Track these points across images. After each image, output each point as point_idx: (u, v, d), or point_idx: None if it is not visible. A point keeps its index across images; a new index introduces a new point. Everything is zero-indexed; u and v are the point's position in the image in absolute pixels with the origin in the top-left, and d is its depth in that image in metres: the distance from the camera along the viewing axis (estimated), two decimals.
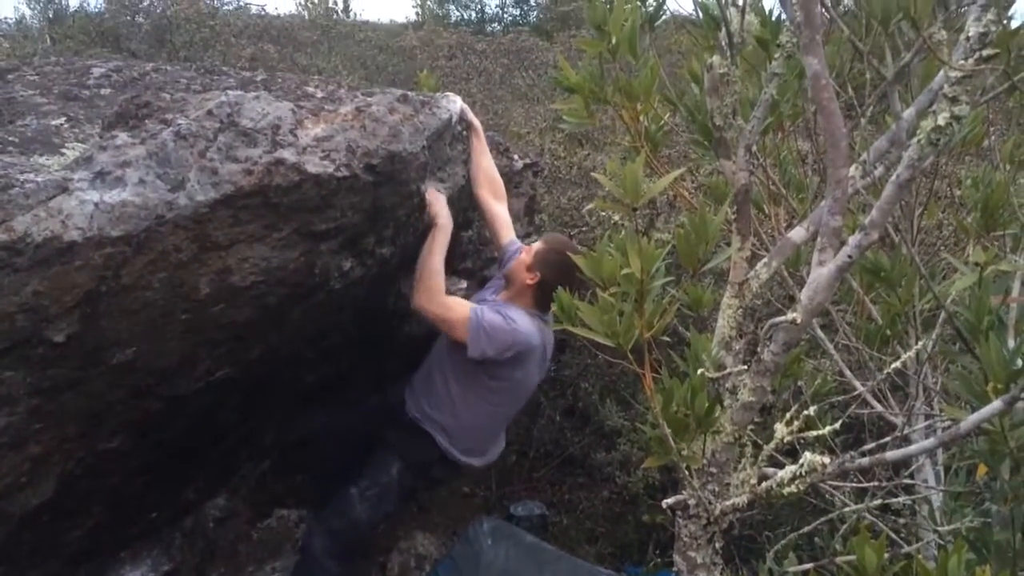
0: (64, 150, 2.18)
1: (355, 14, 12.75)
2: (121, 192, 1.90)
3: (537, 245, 2.95)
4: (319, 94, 2.69)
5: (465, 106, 3.02)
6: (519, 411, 3.22)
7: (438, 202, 2.83)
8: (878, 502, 2.16)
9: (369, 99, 2.52)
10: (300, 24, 10.27)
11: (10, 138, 2.21)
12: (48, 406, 2.04)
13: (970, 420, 1.51)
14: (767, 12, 2.01)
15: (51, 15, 8.64)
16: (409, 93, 2.71)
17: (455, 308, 2.78)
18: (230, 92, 2.22)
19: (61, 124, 2.41)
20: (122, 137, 2.03)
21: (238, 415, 2.85)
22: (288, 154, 2.15)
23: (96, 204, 1.86)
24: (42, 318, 1.84)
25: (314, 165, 2.19)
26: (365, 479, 2.97)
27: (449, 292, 2.90)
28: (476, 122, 3.10)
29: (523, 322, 2.81)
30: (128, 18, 7.93)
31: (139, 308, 2.03)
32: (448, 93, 3.03)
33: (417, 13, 14.84)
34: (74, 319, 1.90)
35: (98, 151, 1.98)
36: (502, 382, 2.91)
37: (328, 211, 2.28)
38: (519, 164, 3.79)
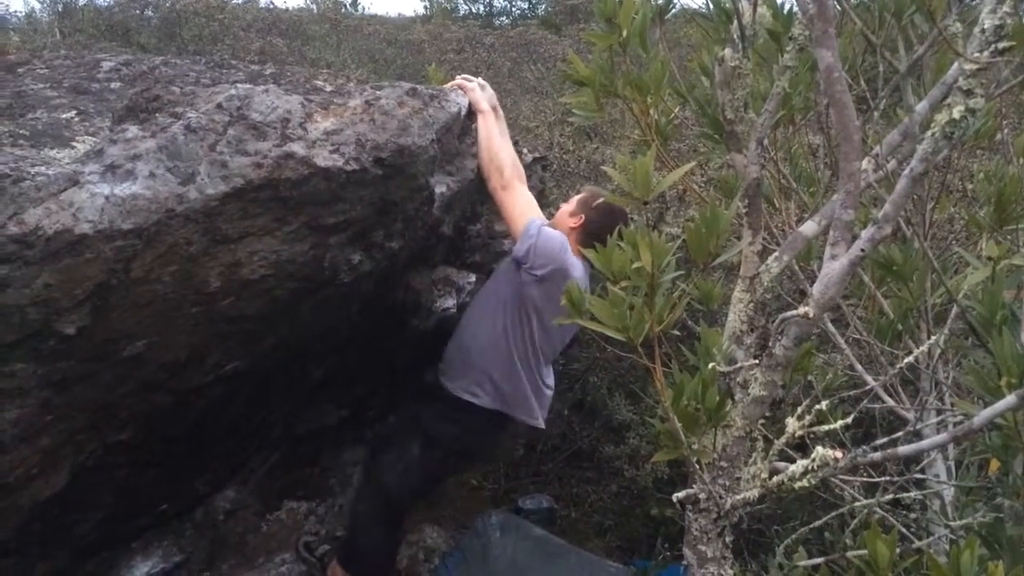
0: (74, 143, 2.19)
1: (363, 8, 12.76)
2: (131, 185, 1.91)
3: (579, 196, 3.00)
4: (328, 88, 2.69)
5: (480, 96, 2.98)
6: (556, 352, 3.15)
7: (475, 89, 2.89)
8: (889, 497, 2.15)
9: (378, 93, 2.51)
10: (309, 18, 10.28)
11: (21, 131, 2.22)
12: (59, 399, 2.04)
13: (983, 415, 1.50)
14: (779, 4, 1.99)
15: (60, 9, 8.64)
16: (418, 87, 2.70)
17: (522, 207, 2.79)
18: (240, 85, 2.22)
19: (71, 117, 2.42)
20: (132, 130, 2.04)
21: (248, 408, 2.85)
22: (298, 147, 2.15)
23: (107, 197, 1.86)
24: (53, 311, 1.85)
25: (323, 159, 2.19)
26: (393, 451, 3.10)
27: (465, 264, 2.89)
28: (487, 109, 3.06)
29: (571, 255, 2.79)
30: (137, 12, 7.95)
31: (149, 301, 2.03)
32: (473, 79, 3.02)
33: (425, 7, 14.85)
34: (85, 312, 1.91)
35: (108, 144, 1.99)
36: (546, 304, 2.85)
37: (337, 204, 2.28)
38: (528, 158, 3.77)
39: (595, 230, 2.77)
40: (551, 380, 3.20)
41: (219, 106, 2.12)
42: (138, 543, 2.95)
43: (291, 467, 3.58)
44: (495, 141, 2.84)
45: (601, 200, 2.84)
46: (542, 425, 3.14)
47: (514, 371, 2.95)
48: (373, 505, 3.15)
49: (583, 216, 2.88)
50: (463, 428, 3.02)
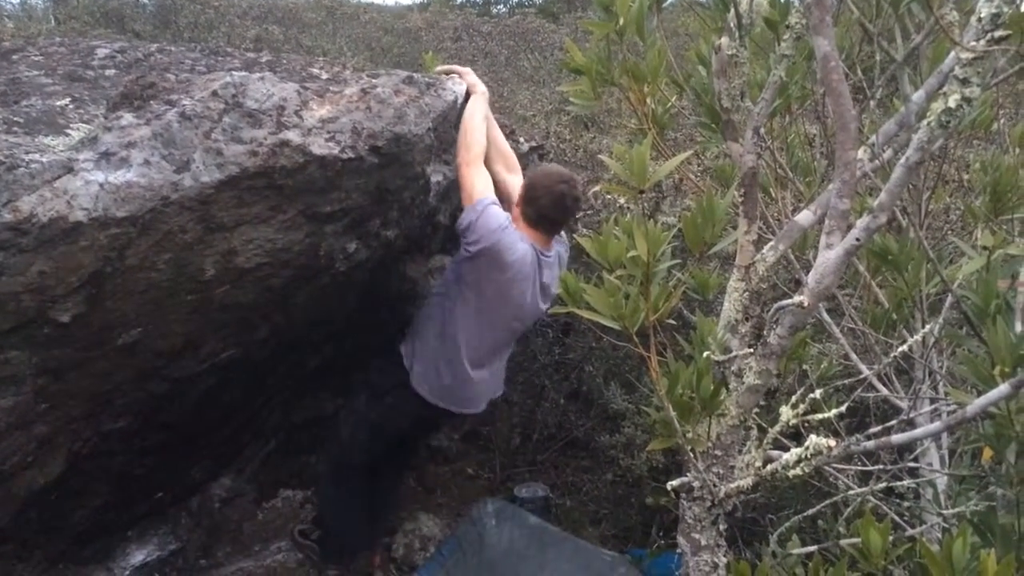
0: (69, 131, 2.18)
1: None
2: (126, 173, 1.90)
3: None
4: (324, 75, 2.68)
5: (476, 79, 3.00)
6: (506, 340, 3.09)
7: (471, 74, 2.99)
8: (882, 485, 2.16)
9: (374, 81, 2.50)
10: (305, 5, 10.22)
11: (15, 118, 2.21)
12: (54, 386, 2.04)
13: (976, 404, 1.50)
14: None
15: None
16: (414, 75, 2.69)
17: (478, 185, 2.78)
18: (235, 73, 2.21)
19: (66, 105, 2.40)
20: (127, 118, 2.03)
21: (243, 396, 2.86)
22: (293, 135, 2.15)
23: (101, 185, 1.86)
24: (48, 298, 1.85)
25: (319, 147, 2.18)
26: (345, 407, 3.24)
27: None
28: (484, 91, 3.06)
29: (513, 237, 2.76)
30: None
31: (144, 289, 2.03)
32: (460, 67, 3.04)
33: None
34: (80, 300, 1.91)
35: (103, 132, 1.98)
36: (478, 284, 2.84)
37: (333, 193, 2.28)
38: (525, 147, 3.77)
39: (533, 196, 2.79)
40: (500, 364, 3.16)
41: (214, 94, 2.11)
42: (134, 531, 2.95)
43: (287, 455, 3.58)
44: (476, 120, 2.86)
45: (532, 179, 2.86)
46: (479, 410, 3.16)
47: (456, 359, 2.95)
48: (328, 463, 3.29)
49: (521, 190, 2.88)
50: (400, 391, 3.03)
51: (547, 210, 2.79)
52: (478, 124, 2.85)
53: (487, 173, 2.85)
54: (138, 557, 2.95)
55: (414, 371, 2.94)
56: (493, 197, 2.79)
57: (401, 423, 3.16)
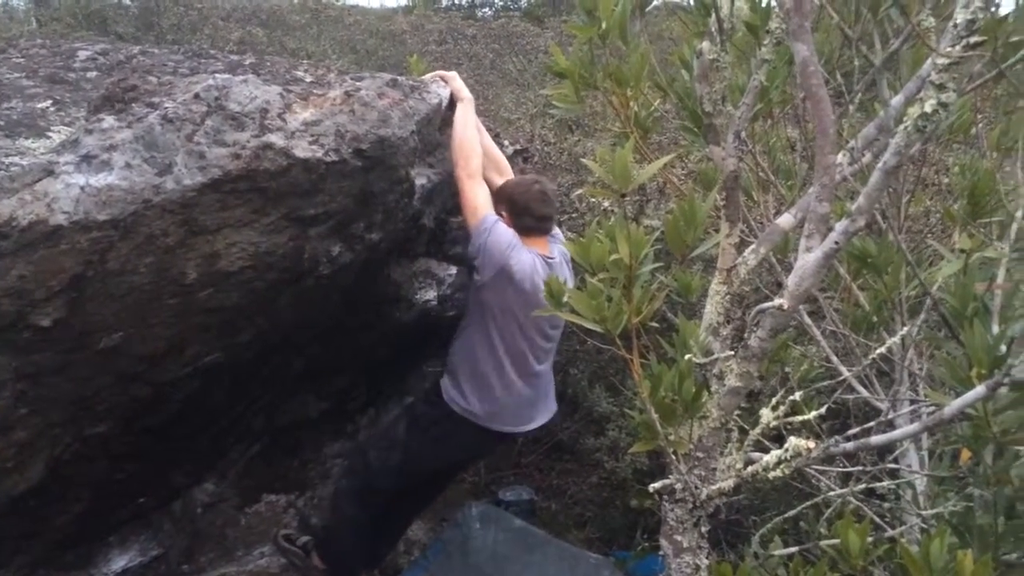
0: (50, 133, 2.16)
1: None
2: (107, 176, 1.89)
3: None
4: (308, 78, 2.67)
5: (461, 84, 3.01)
6: (545, 348, 3.06)
7: (456, 79, 3.00)
8: (863, 486, 2.18)
9: (358, 84, 2.50)
10: (289, 7, 10.19)
11: None
12: (34, 391, 2.03)
13: (954, 405, 1.52)
14: None
15: None
16: (399, 78, 2.70)
17: (480, 199, 2.83)
18: (218, 76, 2.20)
19: (47, 107, 2.39)
20: (109, 120, 2.02)
21: (226, 400, 2.84)
22: (276, 138, 2.14)
23: (82, 188, 1.85)
24: (27, 302, 1.83)
25: (303, 150, 2.18)
26: (381, 430, 3.24)
27: (446, 256, 2.96)
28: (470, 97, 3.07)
29: (520, 252, 2.80)
30: (115, 1, 7.85)
31: (126, 293, 2.02)
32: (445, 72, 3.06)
33: None
34: (60, 303, 1.90)
35: (84, 134, 1.97)
36: (502, 303, 2.86)
37: (317, 196, 2.28)
38: (509, 150, 3.78)
39: (519, 213, 2.86)
40: (544, 371, 3.14)
41: (197, 96, 2.11)
42: (115, 536, 2.93)
43: (271, 460, 3.57)
44: (469, 130, 2.88)
45: (506, 186, 2.93)
46: (533, 426, 3.14)
47: (504, 374, 2.95)
48: (353, 483, 3.16)
49: (502, 205, 2.91)
50: (444, 421, 3.01)
51: (537, 210, 2.86)
52: (472, 135, 2.88)
53: (485, 185, 2.89)
54: (120, 563, 2.93)
55: (463, 398, 2.95)
56: (493, 211, 2.85)
57: (451, 454, 3.16)
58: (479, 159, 2.87)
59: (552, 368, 3.21)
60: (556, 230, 3.05)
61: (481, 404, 2.94)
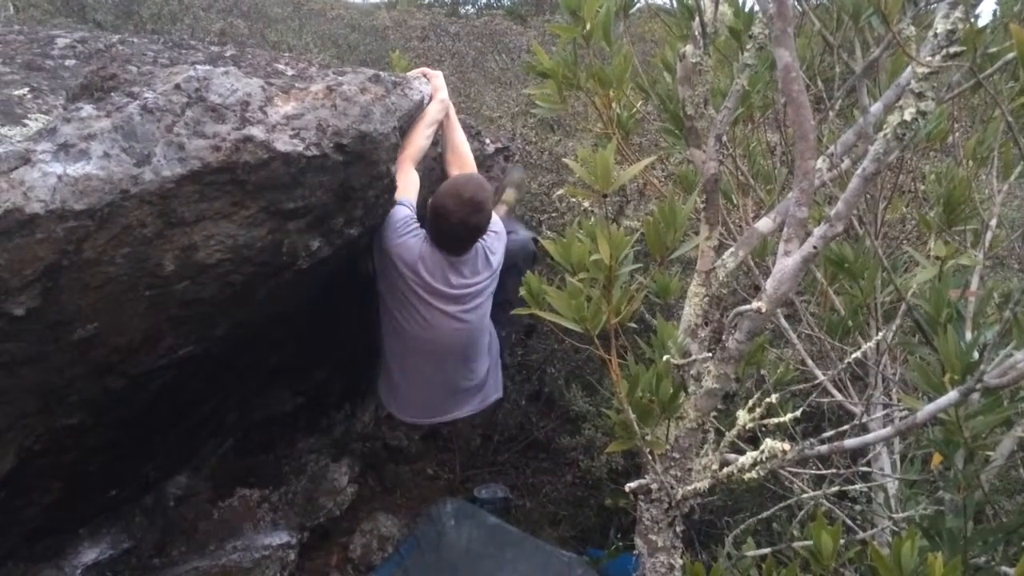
0: (27, 121, 2.13)
1: None
2: (85, 165, 1.87)
3: None
4: (290, 72, 2.66)
5: (442, 84, 3.02)
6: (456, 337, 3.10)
7: (439, 77, 3.04)
8: (835, 489, 2.20)
9: (340, 78, 2.49)
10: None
11: None
12: (6, 381, 2.00)
13: (926, 410, 1.54)
14: (740, 3, 2.02)
15: None
16: (381, 73, 2.69)
17: (403, 185, 2.84)
18: (199, 67, 2.18)
19: (24, 94, 2.36)
20: (87, 109, 2.00)
21: (201, 393, 2.82)
22: (257, 131, 2.13)
23: (59, 176, 1.82)
24: (1, 291, 1.81)
25: (283, 143, 2.17)
26: None
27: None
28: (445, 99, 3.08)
29: (410, 239, 2.86)
30: None
31: (101, 283, 2.00)
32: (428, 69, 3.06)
33: None
34: (35, 293, 1.87)
35: (62, 123, 1.94)
36: (383, 287, 2.98)
37: (297, 190, 2.26)
38: (490, 148, 3.78)
39: (432, 228, 2.90)
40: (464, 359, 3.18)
41: (177, 87, 2.09)
42: (86, 529, 2.90)
43: (245, 454, 3.54)
44: (422, 125, 2.91)
45: (433, 197, 2.93)
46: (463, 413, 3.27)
47: (404, 369, 3.09)
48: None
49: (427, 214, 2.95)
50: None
51: (444, 222, 2.87)
52: (423, 131, 2.91)
53: (415, 175, 2.92)
54: (90, 555, 2.90)
55: (384, 394, 3.04)
56: (411, 197, 2.89)
57: None
58: (416, 150, 2.89)
59: (487, 356, 3.27)
60: (496, 224, 3.06)
61: (388, 396, 3.01)
